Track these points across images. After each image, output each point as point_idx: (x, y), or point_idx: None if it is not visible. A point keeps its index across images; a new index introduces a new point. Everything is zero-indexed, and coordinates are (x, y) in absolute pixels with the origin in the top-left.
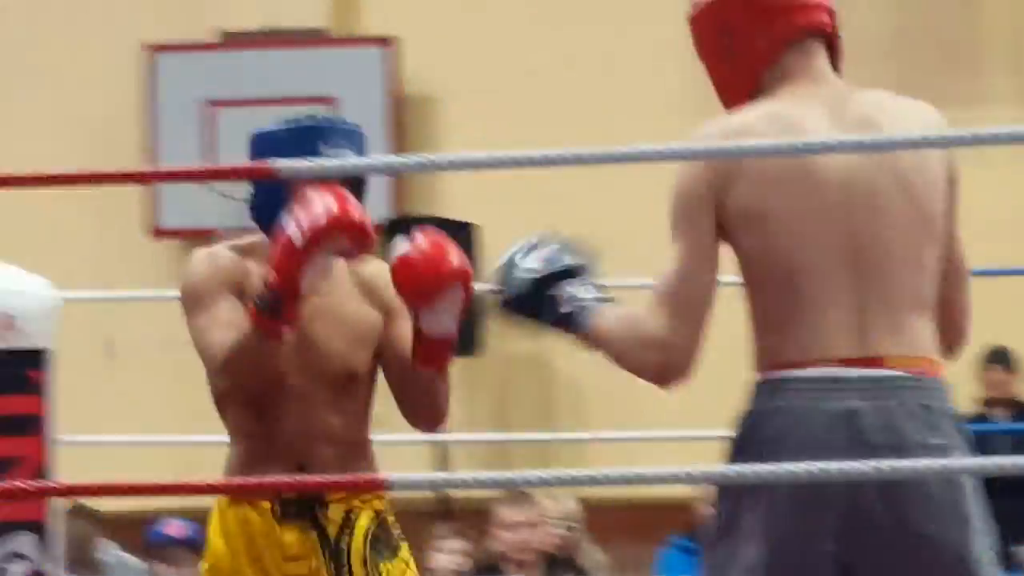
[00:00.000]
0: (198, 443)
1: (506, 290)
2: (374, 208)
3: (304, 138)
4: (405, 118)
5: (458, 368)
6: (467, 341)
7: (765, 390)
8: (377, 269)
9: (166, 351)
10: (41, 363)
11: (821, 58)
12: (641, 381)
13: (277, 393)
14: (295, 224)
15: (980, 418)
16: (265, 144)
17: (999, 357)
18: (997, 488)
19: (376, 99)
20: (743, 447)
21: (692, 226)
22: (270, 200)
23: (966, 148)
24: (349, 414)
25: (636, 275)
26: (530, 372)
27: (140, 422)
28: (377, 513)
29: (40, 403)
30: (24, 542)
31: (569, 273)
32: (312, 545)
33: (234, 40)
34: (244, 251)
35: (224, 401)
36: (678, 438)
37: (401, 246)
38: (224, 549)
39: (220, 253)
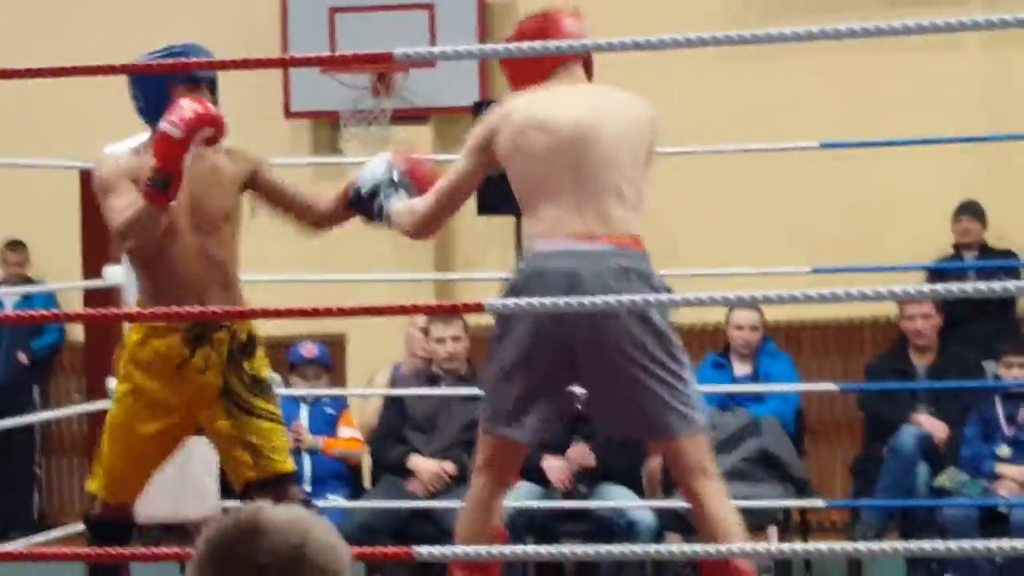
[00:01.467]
0: (322, 281)
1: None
2: (464, 92)
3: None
4: (490, 23)
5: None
6: None
7: (524, 257)
8: (235, 145)
9: None
10: None
11: (579, 71)
12: (680, 232)
13: (173, 246)
14: (171, 122)
15: (954, 258)
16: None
17: (969, 209)
18: (967, 314)
19: (467, 6)
20: (507, 294)
21: (469, 156)
22: (153, 107)
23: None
24: (227, 252)
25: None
26: None
27: (275, 265)
28: (250, 332)
29: None
30: None
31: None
32: (212, 359)
33: None
34: (139, 150)
35: (135, 258)
36: (706, 275)
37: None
38: (142, 373)
39: (121, 152)
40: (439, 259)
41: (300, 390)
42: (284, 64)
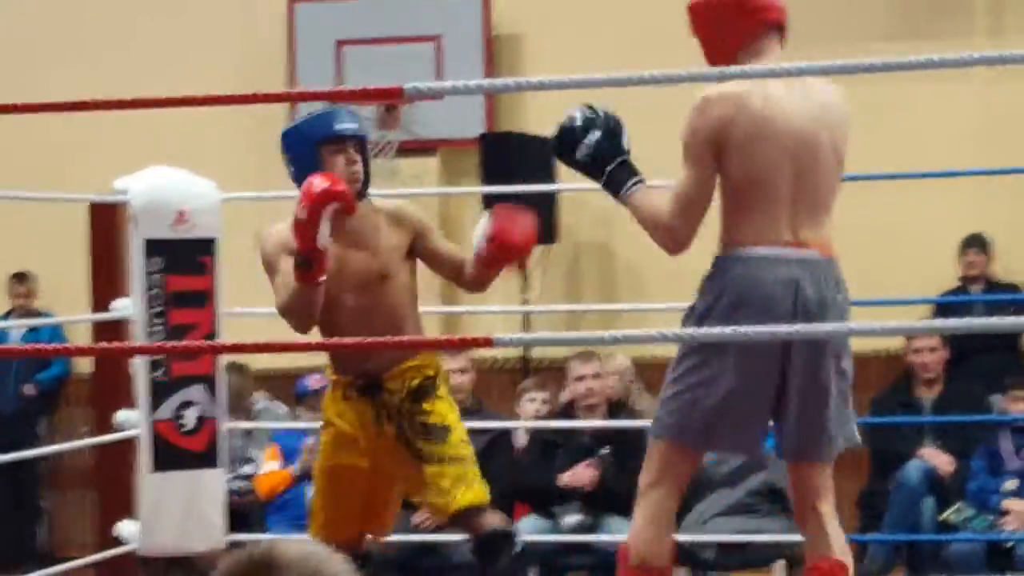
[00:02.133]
0: None
1: (579, 150)
2: (470, 124)
3: (317, 122)
4: (497, 54)
5: (537, 253)
6: (545, 231)
7: (734, 261)
8: (395, 204)
9: None
10: (211, 250)
11: (777, 42)
12: (689, 262)
13: (330, 310)
14: (298, 205)
15: (960, 291)
16: (291, 136)
17: (975, 242)
18: (973, 348)
19: (473, 38)
20: (717, 301)
21: (699, 159)
22: (308, 169)
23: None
24: (392, 312)
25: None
26: (596, 256)
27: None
28: (427, 376)
29: (211, 282)
30: (196, 392)
31: (618, 152)
32: (368, 415)
33: None
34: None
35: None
36: None
37: (490, 220)
38: (336, 416)
39: (278, 227)
40: (445, 291)
41: (306, 422)
42: (292, 99)
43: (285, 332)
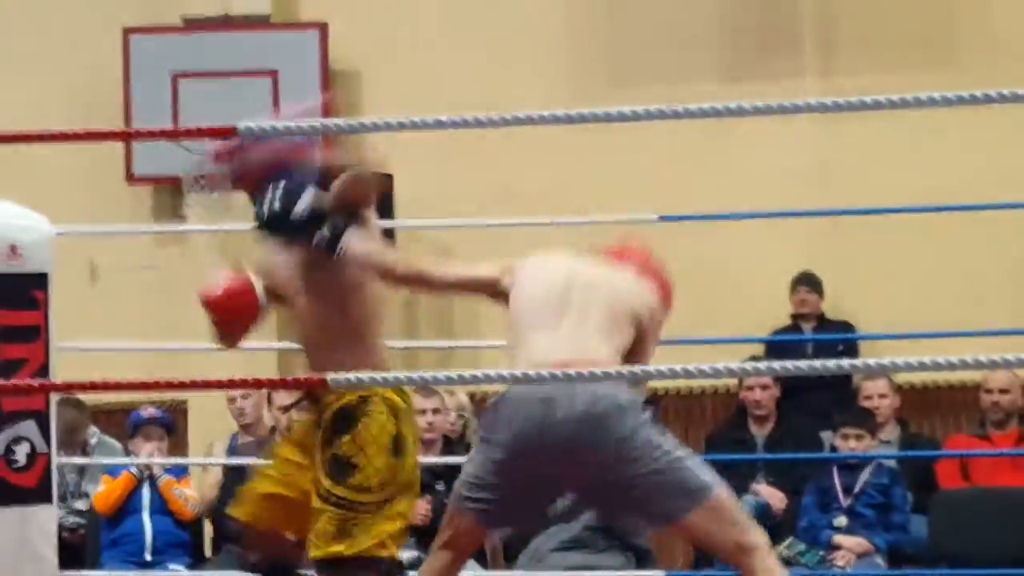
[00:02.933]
0: (164, 350)
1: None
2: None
3: None
4: (334, 87)
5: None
6: None
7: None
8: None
9: (137, 275)
10: (43, 284)
11: None
12: None
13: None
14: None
15: (792, 329)
16: None
17: (806, 280)
18: (805, 385)
19: (311, 74)
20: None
21: None
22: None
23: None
24: (312, 329)
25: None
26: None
27: (117, 331)
28: (361, 396)
29: (43, 316)
30: (27, 428)
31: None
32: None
33: (195, 24)
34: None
35: None
36: None
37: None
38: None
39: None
40: (282, 327)
41: (142, 459)
42: (126, 137)
43: (117, 368)
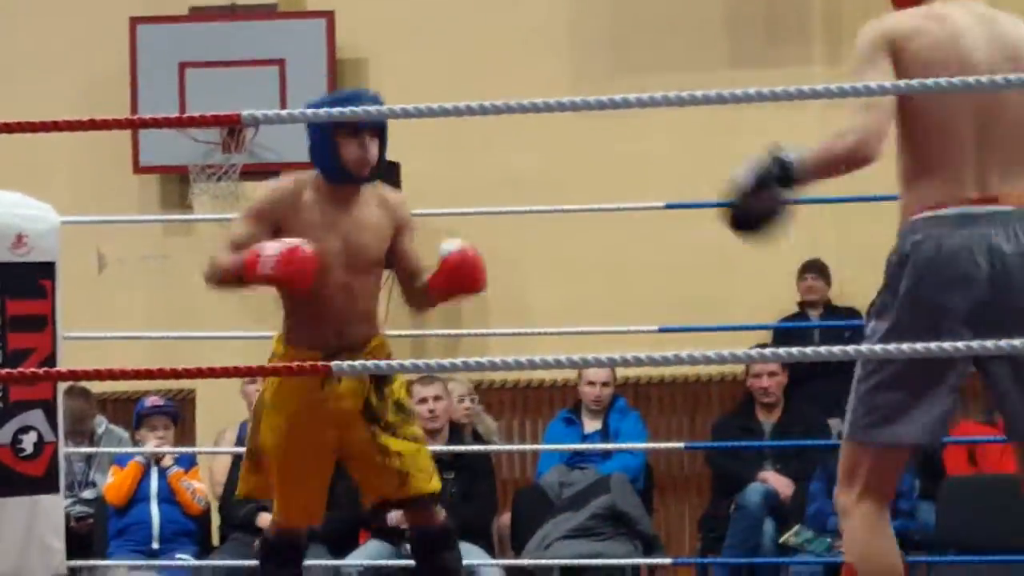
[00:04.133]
0: (171, 338)
1: (739, 208)
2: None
3: (337, 105)
4: (341, 78)
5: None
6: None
7: (918, 225)
8: (394, 194)
9: (145, 264)
10: (51, 273)
11: None
12: (532, 289)
13: (325, 281)
14: (269, 258)
15: (799, 317)
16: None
17: (813, 267)
18: (812, 372)
19: (318, 63)
20: (900, 268)
21: (875, 65)
22: (321, 148)
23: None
24: (372, 294)
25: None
26: None
27: (124, 320)
28: (388, 355)
29: (50, 306)
30: (34, 417)
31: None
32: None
33: (201, 13)
34: (304, 183)
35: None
36: (557, 333)
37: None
38: (285, 397)
39: (284, 184)
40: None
41: (149, 448)
42: (131, 125)
43: (124, 357)
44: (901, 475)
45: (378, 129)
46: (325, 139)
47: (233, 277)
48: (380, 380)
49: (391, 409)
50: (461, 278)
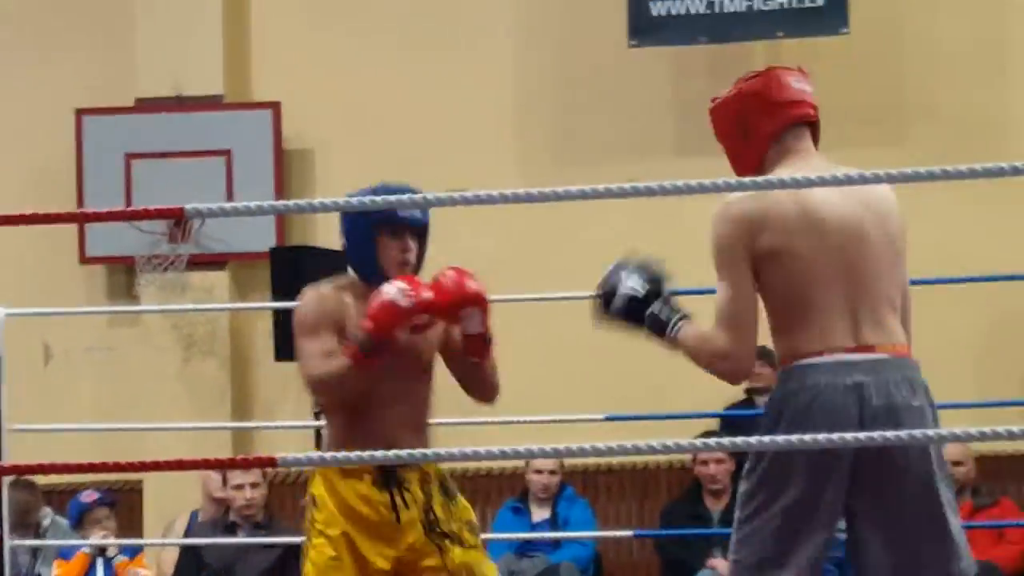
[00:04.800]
0: (117, 429)
1: (613, 302)
2: (261, 238)
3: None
4: (287, 168)
5: None
6: None
7: (792, 375)
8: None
9: (90, 355)
10: None
11: (808, 139)
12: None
13: (373, 397)
14: (402, 290)
15: (746, 403)
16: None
17: (760, 354)
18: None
19: (264, 152)
20: (779, 418)
21: (734, 268)
22: (360, 248)
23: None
24: (423, 402)
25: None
26: None
27: (71, 412)
28: (438, 473)
29: None
30: None
31: (657, 293)
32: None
33: (147, 105)
34: (343, 288)
35: (327, 405)
36: (501, 422)
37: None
38: (335, 511)
39: (325, 291)
40: (236, 406)
41: (96, 540)
42: (74, 219)
43: (70, 448)
44: None
45: (419, 228)
46: (366, 238)
47: (357, 354)
48: (445, 495)
49: (460, 525)
50: (443, 285)
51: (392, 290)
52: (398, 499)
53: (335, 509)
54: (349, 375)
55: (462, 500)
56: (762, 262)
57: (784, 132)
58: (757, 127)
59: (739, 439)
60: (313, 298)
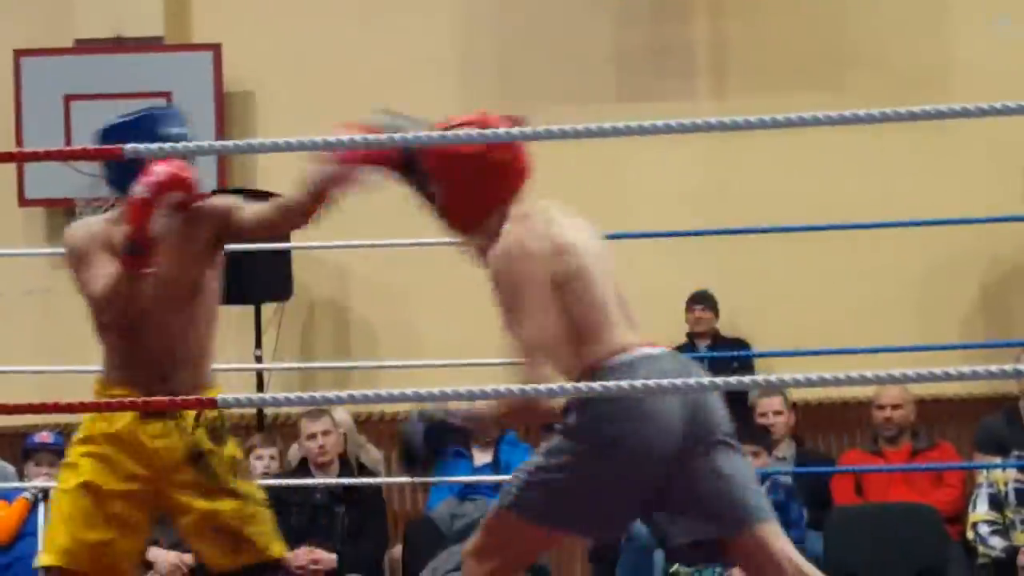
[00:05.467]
0: (56, 371)
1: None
2: (203, 181)
3: (143, 124)
4: (228, 111)
5: (271, 310)
6: (278, 288)
7: (602, 374)
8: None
9: (29, 298)
10: None
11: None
12: (422, 321)
13: (142, 323)
14: (142, 185)
15: (687, 347)
16: (114, 132)
17: (701, 298)
18: None
19: (205, 95)
20: (612, 417)
21: (541, 302)
22: (123, 176)
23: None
24: (198, 331)
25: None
26: (330, 313)
27: (10, 354)
28: (219, 415)
29: None
30: None
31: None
32: (171, 429)
33: (87, 46)
34: (111, 220)
35: (102, 329)
36: (447, 365)
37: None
38: (95, 445)
39: (93, 221)
40: None
41: (38, 483)
42: (12, 159)
43: (10, 392)
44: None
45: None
46: (132, 169)
47: (126, 261)
48: (213, 434)
49: (225, 465)
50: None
51: (137, 186)
52: (155, 425)
53: (83, 439)
54: (127, 284)
55: (232, 441)
56: (558, 287)
57: (507, 201)
58: (484, 193)
59: (678, 380)
60: (79, 227)
